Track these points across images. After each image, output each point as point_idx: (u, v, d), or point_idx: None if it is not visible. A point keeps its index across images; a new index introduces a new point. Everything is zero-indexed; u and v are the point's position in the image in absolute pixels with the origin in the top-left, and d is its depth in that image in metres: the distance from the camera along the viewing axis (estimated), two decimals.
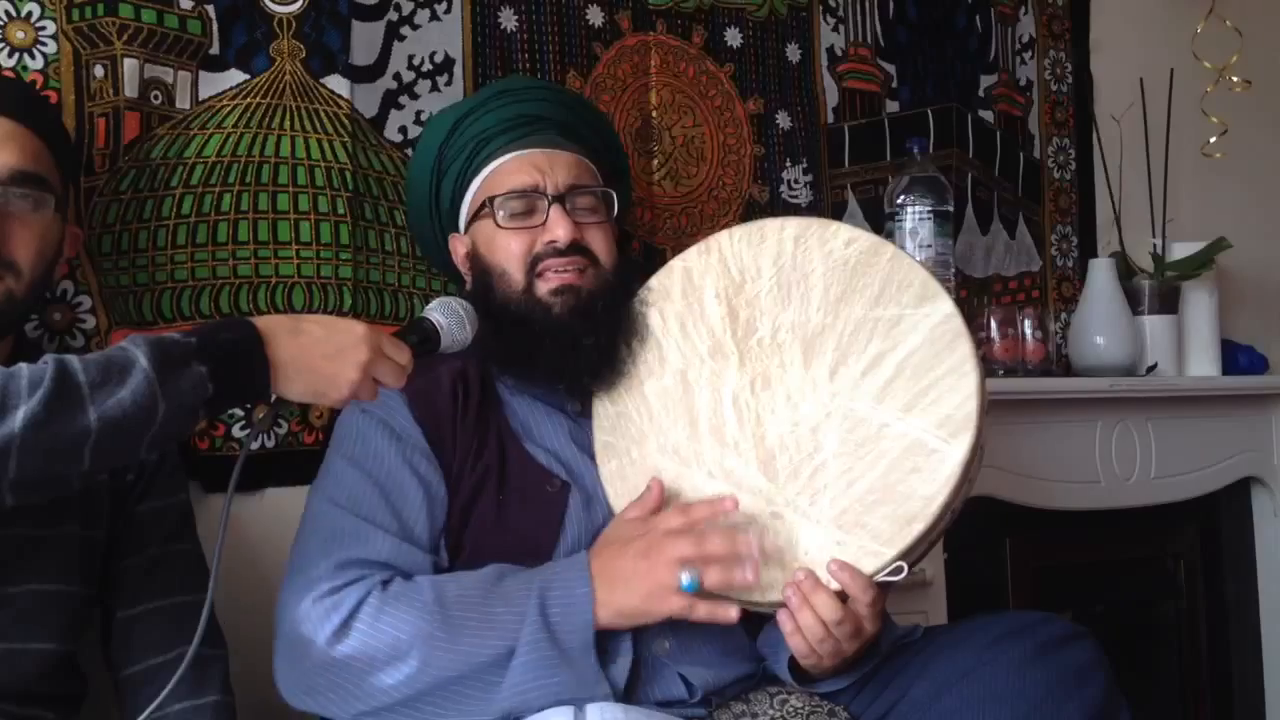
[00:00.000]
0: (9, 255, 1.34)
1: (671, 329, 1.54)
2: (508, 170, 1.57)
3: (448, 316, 1.38)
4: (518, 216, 1.54)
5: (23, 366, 1.08)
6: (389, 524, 1.41)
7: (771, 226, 1.53)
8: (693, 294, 1.54)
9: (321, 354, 1.20)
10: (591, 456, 1.53)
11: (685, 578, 1.33)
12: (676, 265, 1.57)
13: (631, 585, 1.35)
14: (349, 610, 1.34)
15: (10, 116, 1.37)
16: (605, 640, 1.37)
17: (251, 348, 1.17)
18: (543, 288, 1.52)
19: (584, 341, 1.50)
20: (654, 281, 1.57)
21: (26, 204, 1.36)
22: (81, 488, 1.18)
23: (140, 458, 1.16)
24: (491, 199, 1.55)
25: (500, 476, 1.48)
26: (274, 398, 1.21)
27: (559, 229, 1.52)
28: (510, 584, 1.37)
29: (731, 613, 1.34)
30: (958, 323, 1.40)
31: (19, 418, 1.05)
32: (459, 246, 1.64)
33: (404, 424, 1.46)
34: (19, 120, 1.37)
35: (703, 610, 1.35)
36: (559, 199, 1.54)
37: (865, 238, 1.48)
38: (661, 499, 1.42)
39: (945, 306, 1.41)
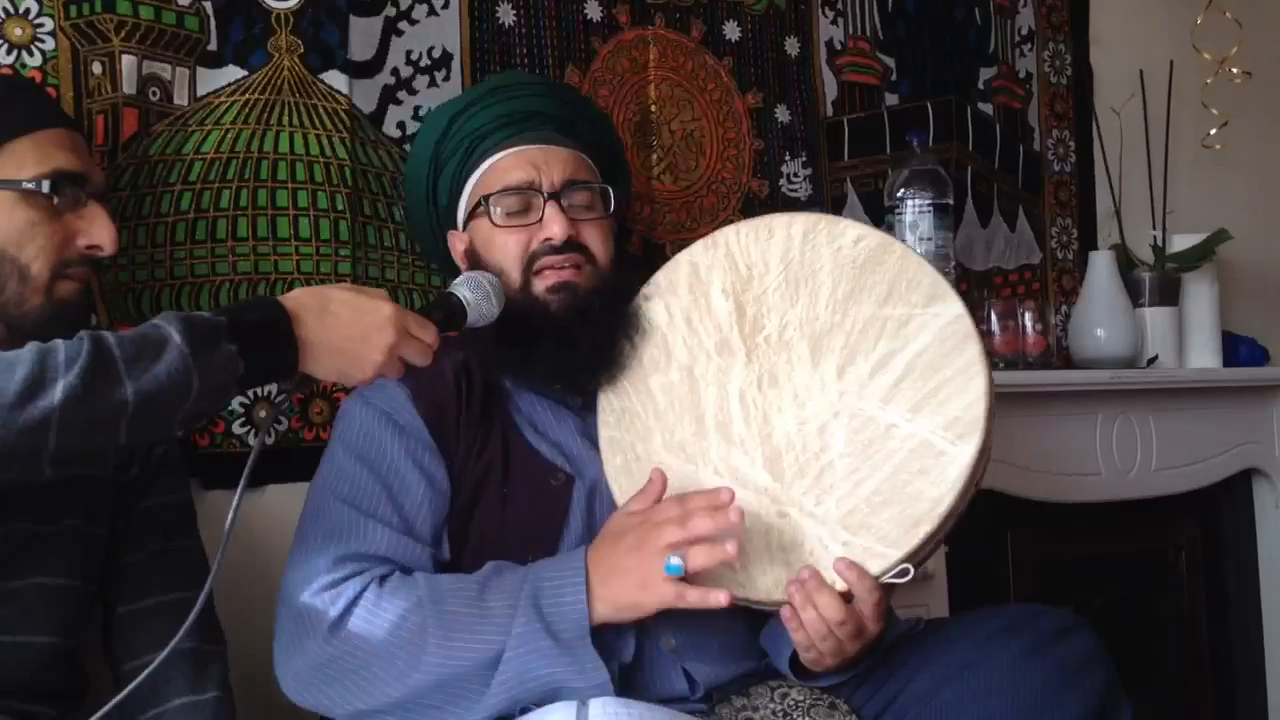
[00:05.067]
0: None
1: (678, 324, 1.52)
2: (503, 167, 1.57)
3: (474, 291, 1.40)
4: (514, 215, 1.53)
5: (59, 342, 1.09)
6: (390, 518, 1.41)
7: (779, 222, 1.51)
8: (699, 289, 1.52)
9: (347, 336, 1.22)
10: (598, 449, 1.52)
11: (672, 560, 1.32)
12: (683, 259, 1.55)
13: (625, 577, 1.34)
14: (346, 604, 1.34)
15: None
16: (608, 637, 1.37)
17: (280, 328, 1.18)
18: (540, 285, 1.51)
19: (581, 340, 1.49)
20: (659, 276, 1.56)
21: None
22: (107, 472, 1.21)
23: (174, 434, 1.18)
24: (487, 197, 1.55)
25: (504, 470, 1.48)
26: (299, 376, 1.22)
27: (554, 226, 1.51)
28: (506, 578, 1.37)
29: (721, 597, 1.31)
30: (967, 324, 1.39)
31: (58, 391, 1.06)
32: (457, 244, 1.63)
33: (408, 417, 1.46)
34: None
35: (692, 596, 1.32)
36: (555, 196, 1.53)
37: (874, 235, 1.47)
38: (664, 491, 1.40)
39: (955, 307, 1.40)
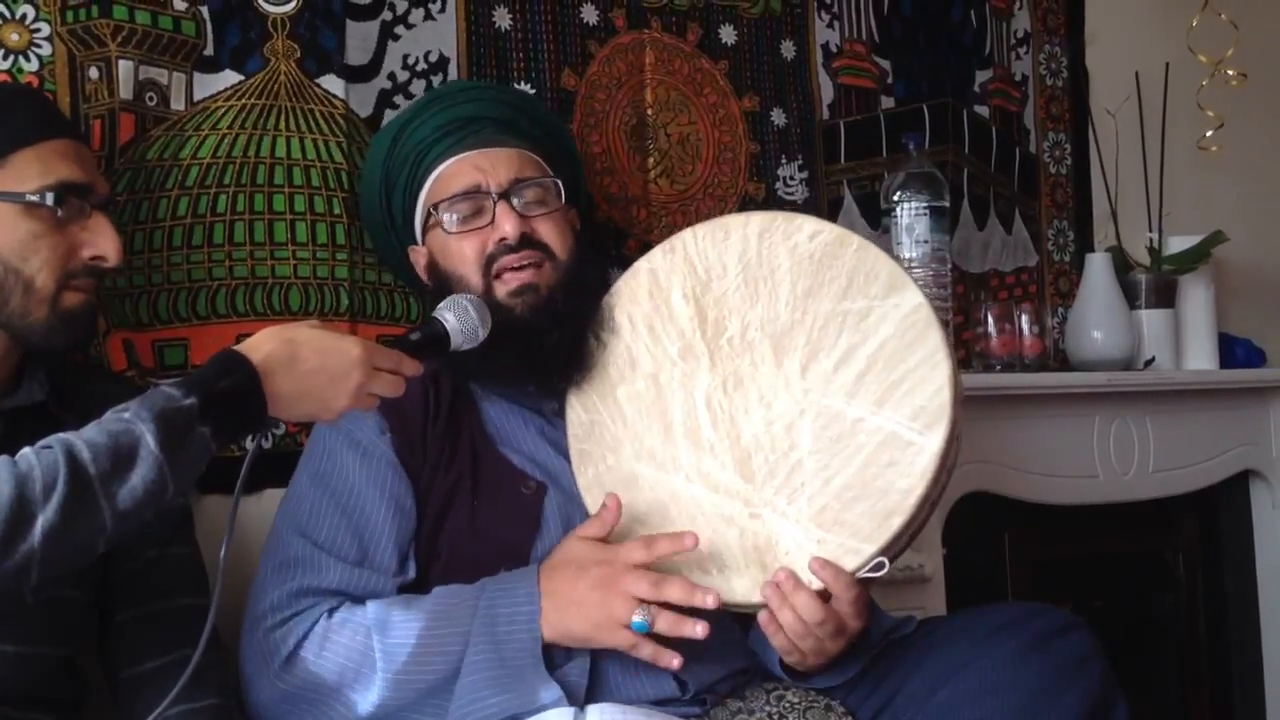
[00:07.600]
0: None
1: (640, 332, 1.52)
2: (450, 175, 1.57)
3: (455, 312, 1.40)
4: (467, 219, 1.53)
5: (34, 465, 1.09)
6: (346, 549, 1.42)
7: (735, 222, 1.52)
8: (659, 295, 1.52)
9: (316, 385, 1.23)
10: (568, 457, 1.53)
11: (637, 617, 1.34)
12: (642, 267, 1.55)
13: (583, 612, 1.35)
14: (296, 640, 1.37)
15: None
16: (558, 657, 1.38)
17: (251, 390, 1.19)
18: (501, 290, 1.51)
19: (548, 340, 1.49)
20: (620, 285, 1.56)
21: None
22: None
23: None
24: (436, 205, 1.55)
25: (473, 480, 1.48)
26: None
27: (506, 225, 1.51)
28: (457, 602, 1.38)
29: (674, 662, 1.35)
30: (927, 312, 1.39)
31: (37, 531, 1.06)
32: (419, 259, 1.63)
33: (371, 436, 1.47)
34: None
35: (647, 651, 1.35)
36: (504, 195, 1.52)
37: (830, 229, 1.47)
38: (618, 518, 1.41)
39: (914, 297, 1.40)
